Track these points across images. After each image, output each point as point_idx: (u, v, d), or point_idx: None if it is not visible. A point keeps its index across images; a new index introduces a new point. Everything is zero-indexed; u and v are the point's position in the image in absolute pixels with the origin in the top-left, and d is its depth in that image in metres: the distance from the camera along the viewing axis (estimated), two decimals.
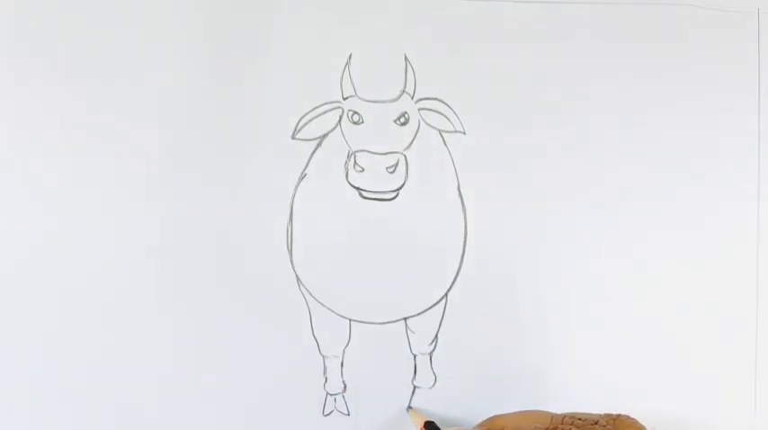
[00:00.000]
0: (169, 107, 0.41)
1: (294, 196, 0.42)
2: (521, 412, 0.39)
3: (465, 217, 0.42)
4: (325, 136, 0.42)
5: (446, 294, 0.42)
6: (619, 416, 0.36)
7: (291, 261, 0.41)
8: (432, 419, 0.40)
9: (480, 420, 0.39)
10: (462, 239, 0.42)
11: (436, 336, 0.42)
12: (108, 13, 0.41)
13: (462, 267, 0.42)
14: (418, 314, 0.42)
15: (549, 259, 0.43)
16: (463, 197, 0.42)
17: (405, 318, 0.42)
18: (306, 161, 0.42)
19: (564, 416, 0.36)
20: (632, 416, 0.35)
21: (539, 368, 0.42)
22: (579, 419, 0.36)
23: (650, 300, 0.43)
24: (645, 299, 0.43)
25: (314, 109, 0.42)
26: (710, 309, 0.43)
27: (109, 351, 0.41)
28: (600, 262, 0.43)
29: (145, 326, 0.41)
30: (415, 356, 0.42)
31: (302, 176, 0.42)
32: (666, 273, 0.43)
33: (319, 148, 0.42)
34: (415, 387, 0.42)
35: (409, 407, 0.42)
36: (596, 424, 0.35)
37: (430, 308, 0.42)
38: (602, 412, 0.36)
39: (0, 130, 0.41)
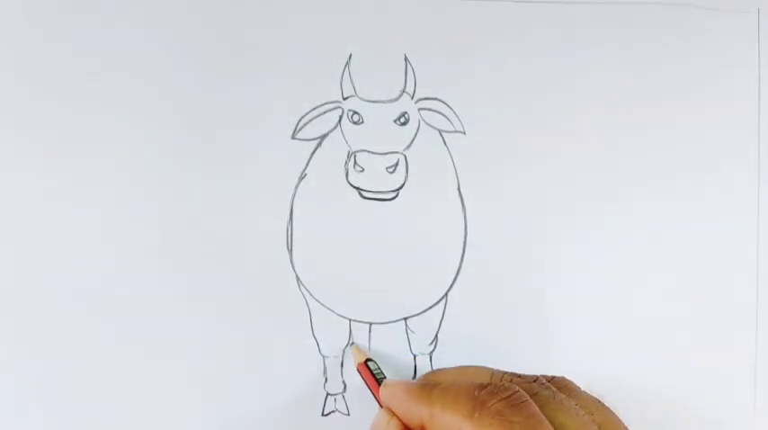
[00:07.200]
0: (168, 107, 0.41)
1: (294, 196, 0.42)
2: (461, 367, 0.39)
3: (465, 217, 0.42)
4: (325, 136, 0.42)
5: (446, 294, 0.42)
6: (554, 377, 0.36)
7: (291, 261, 0.41)
8: (372, 357, 0.40)
9: None
10: (462, 239, 0.42)
11: (436, 336, 0.42)
12: (108, 13, 0.41)
13: (462, 267, 0.42)
14: (418, 314, 0.42)
15: (549, 259, 0.43)
16: (463, 197, 0.42)
17: (405, 318, 0.42)
18: (306, 161, 0.42)
19: (504, 373, 0.36)
20: (613, 404, 0.36)
21: (539, 368, 0.42)
22: (519, 376, 0.36)
23: (651, 299, 0.43)
24: (645, 298, 0.43)
25: (314, 109, 0.42)
26: (711, 309, 0.43)
27: (106, 350, 0.41)
28: (600, 261, 0.43)
29: (143, 325, 0.41)
30: (415, 356, 0.42)
31: (302, 176, 0.42)
32: (667, 272, 0.43)
33: (319, 148, 0.42)
34: None
35: (352, 343, 0.42)
36: (536, 381, 0.35)
37: (430, 308, 0.42)
38: None
39: None
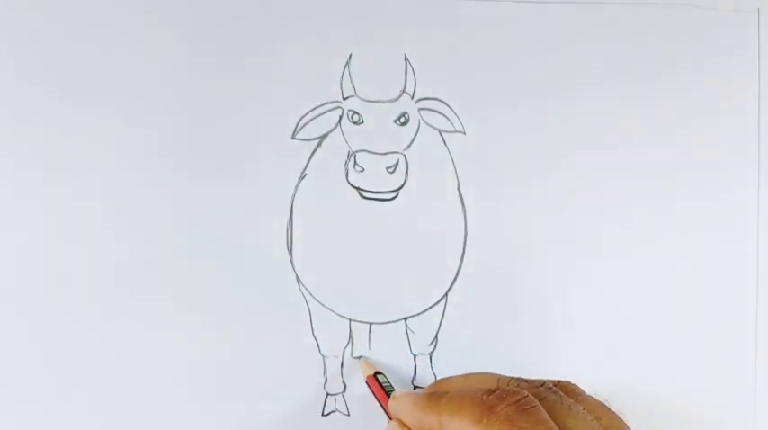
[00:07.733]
0: (168, 106, 0.41)
1: (294, 196, 0.42)
2: (467, 374, 0.39)
3: (465, 217, 0.42)
4: (325, 136, 0.42)
5: (446, 294, 0.42)
6: (560, 381, 0.36)
7: (291, 261, 0.41)
8: (381, 370, 0.40)
9: None
10: (462, 239, 0.42)
11: (436, 336, 0.42)
12: (108, 12, 0.41)
13: (462, 267, 0.42)
14: (418, 314, 0.42)
15: (549, 259, 0.43)
16: (463, 197, 0.42)
17: (405, 318, 0.42)
18: (306, 161, 0.42)
19: (510, 378, 0.36)
20: (617, 407, 0.35)
21: (539, 368, 0.42)
22: (525, 381, 0.36)
23: (650, 300, 0.43)
24: (645, 299, 0.43)
25: (314, 109, 0.42)
26: (711, 309, 0.43)
27: (107, 352, 0.41)
28: (600, 262, 0.43)
29: (144, 325, 0.41)
30: (415, 356, 0.42)
31: (302, 176, 0.42)
32: (667, 272, 0.43)
33: (319, 148, 0.42)
34: (415, 387, 0.42)
35: (360, 357, 0.42)
36: (542, 386, 0.34)
37: (430, 308, 0.42)
38: None
39: None
